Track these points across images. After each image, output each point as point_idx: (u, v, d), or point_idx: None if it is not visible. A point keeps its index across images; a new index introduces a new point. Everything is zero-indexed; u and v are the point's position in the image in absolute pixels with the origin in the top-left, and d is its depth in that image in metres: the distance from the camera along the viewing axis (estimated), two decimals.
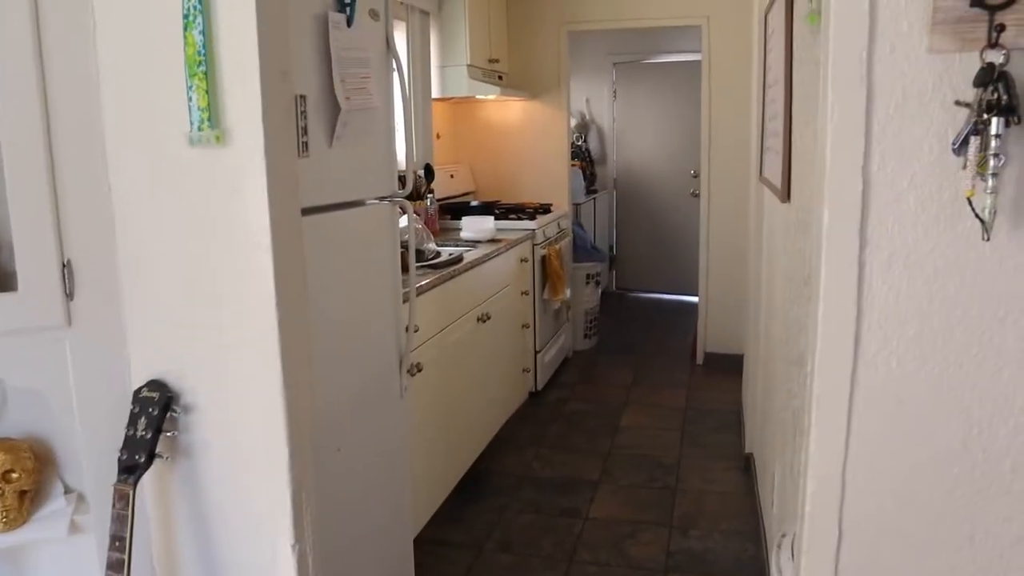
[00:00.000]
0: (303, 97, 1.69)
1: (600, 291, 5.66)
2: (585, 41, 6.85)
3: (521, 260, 4.18)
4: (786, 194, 2.22)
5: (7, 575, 1.65)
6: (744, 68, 4.57)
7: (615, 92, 7.14)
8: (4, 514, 1.49)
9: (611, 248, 7.29)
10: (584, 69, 7.02)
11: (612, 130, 7.20)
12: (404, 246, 2.35)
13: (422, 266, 3.11)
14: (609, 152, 7.23)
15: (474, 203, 4.74)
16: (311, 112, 1.74)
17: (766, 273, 3.03)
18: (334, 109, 1.81)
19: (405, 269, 2.34)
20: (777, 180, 2.39)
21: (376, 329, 2.17)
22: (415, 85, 4.24)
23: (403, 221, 2.34)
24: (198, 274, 1.49)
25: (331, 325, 1.90)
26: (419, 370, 2.75)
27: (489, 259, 3.58)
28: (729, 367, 4.86)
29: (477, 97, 4.65)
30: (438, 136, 4.85)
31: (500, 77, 4.85)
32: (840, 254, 1.23)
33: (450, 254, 3.38)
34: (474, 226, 3.94)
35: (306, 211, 1.75)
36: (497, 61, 4.74)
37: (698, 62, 4.95)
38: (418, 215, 4.11)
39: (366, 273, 2.11)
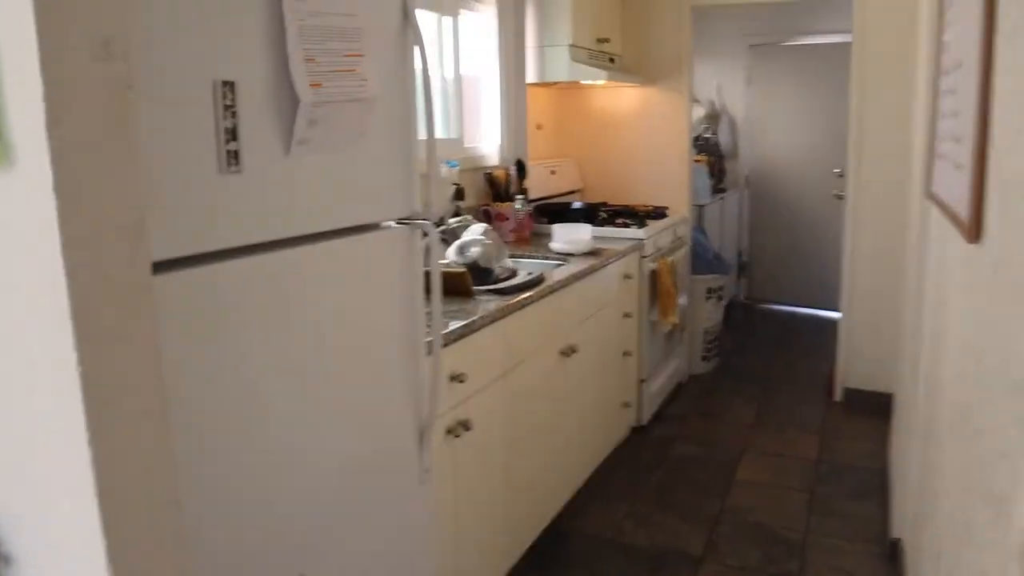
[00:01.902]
0: (228, 84, 1.15)
1: (723, 307, 4.94)
2: (715, 20, 6.09)
3: (624, 276, 3.55)
4: (975, 230, 1.52)
5: None
6: (906, 50, 3.76)
7: (750, 78, 6.34)
8: None
9: (740, 254, 6.51)
10: (715, 52, 6.26)
11: (745, 121, 6.41)
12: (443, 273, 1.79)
13: (487, 291, 2.54)
14: (741, 146, 6.45)
15: (576, 205, 4.13)
16: (249, 106, 1.19)
17: (932, 309, 2.29)
18: (295, 102, 1.26)
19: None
20: (959, 205, 1.68)
21: (374, 394, 1.62)
22: (507, 68, 3.67)
23: (471, 234, 1.78)
24: None
25: (285, 401, 1.36)
26: (466, 429, 2.19)
27: (581, 278, 2.98)
28: (874, 409, 4.07)
29: (583, 82, 4.04)
30: (539, 127, 4.26)
31: (611, 60, 4.21)
32: None
33: (528, 273, 2.80)
34: (566, 236, 3.34)
35: (236, 252, 1.21)
36: (607, 41, 4.10)
37: (847, 44, 4.16)
38: (502, 220, 3.56)
39: (360, 322, 1.55)
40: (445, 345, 2.08)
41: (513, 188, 3.73)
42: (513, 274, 2.80)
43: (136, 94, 0.88)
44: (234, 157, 1.17)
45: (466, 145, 3.64)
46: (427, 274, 1.73)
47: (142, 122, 1.01)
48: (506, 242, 3.59)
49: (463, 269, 2.53)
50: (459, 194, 3.27)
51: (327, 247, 1.44)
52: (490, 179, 3.68)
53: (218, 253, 1.21)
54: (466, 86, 3.62)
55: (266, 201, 1.27)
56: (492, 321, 2.33)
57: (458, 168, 3.28)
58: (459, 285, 2.53)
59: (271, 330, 1.31)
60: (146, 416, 0.90)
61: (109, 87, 0.83)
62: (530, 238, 3.64)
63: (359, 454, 1.56)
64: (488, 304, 2.41)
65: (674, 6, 4.29)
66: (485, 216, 3.66)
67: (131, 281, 0.88)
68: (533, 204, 3.91)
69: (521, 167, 3.74)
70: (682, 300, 4.14)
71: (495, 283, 2.67)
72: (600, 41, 4.04)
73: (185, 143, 1.11)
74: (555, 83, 4.08)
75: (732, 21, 6.20)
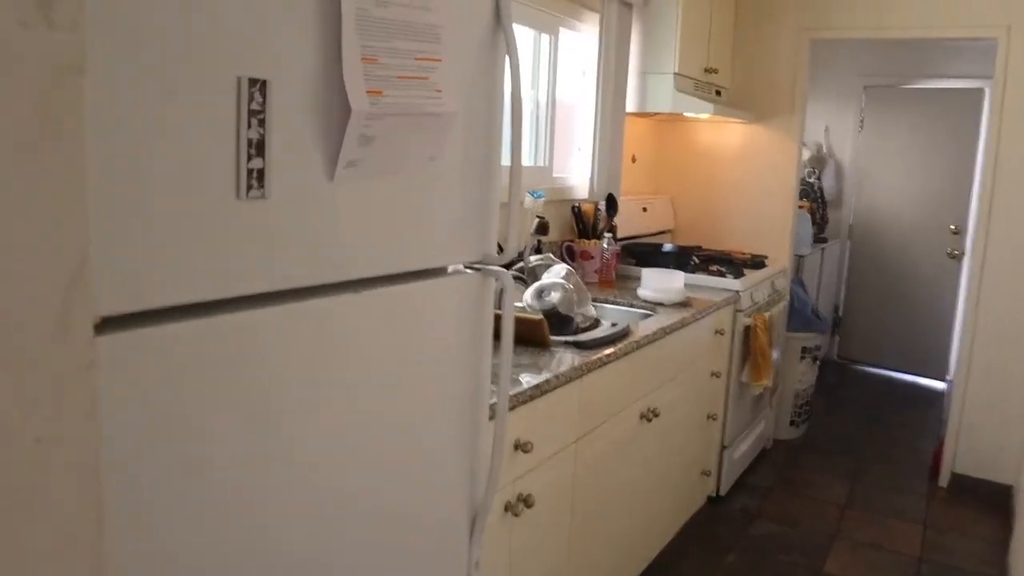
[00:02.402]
0: (258, 83, 0.87)
1: (817, 367, 4.52)
2: (829, 57, 5.69)
3: (716, 332, 3.20)
4: None
5: None
6: None
7: (862, 121, 5.91)
8: None
9: (836, 309, 6.05)
10: (825, 92, 5.85)
11: (853, 167, 5.97)
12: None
13: (566, 342, 2.23)
14: (847, 193, 6.01)
15: (667, 247, 3.79)
16: (283, 114, 0.91)
17: None
18: (346, 112, 0.97)
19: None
20: None
21: (421, 479, 1.32)
22: (605, 94, 3.37)
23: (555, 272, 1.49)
24: None
25: (307, 489, 1.07)
26: (527, 505, 1.88)
27: (670, 333, 2.64)
28: (988, 501, 3.61)
29: (686, 115, 3.71)
30: (633, 159, 3.95)
31: (718, 92, 3.88)
32: None
33: (613, 324, 2.48)
34: (657, 283, 3.01)
35: (257, 299, 0.93)
36: (715, 72, 3.77)
37: (974, 91, 3.74)
38: (586, 259, 3.25)
39: (410, 387, 1.26)
40: (512, 408, 1.77)
41: (601, 225, 3.42)
42: (595, 324, 2.49)
43: (96, 80, 0.61)
44: (257, 178, 0.89)
45: (555, 175, 3.34)
46: (497, 318, 1.43)
47: (118, 122, 0.73)
48: (589, 283, 3.28)
49: (540, 316, 2.23)
50: (542, 228, 2.97)
51: (375, 295, 1.15)
52: (577, 213, 3.37)
53: (229, 302, 0.93)
54: (559, 110, 3.33)
55: (298, 236, 0.99)
56: (569, 380, 2.02)
57: (543, 199, 2.98)
58: (535, 334, 2.23)
59: (295, 397, 1.02)
60: None
61: (46, 67, 0.56)
62: (615, 280, 3.32)
63: (391, 551, 1.26)
64: (565, 357, 2.11)
65: (791, 37, 3.94)
66: (569, 253, 3.36)
67: (61, 353, 0.59)
68: (621, 243, 3.59)
69: (612, 202, 3.43)
70: (775, 356, 3.75)
71: (575, 333, 2.36)
72: (708, 71, 3.72)
73: (187, 157, 0.83)
74: (655, 114, 3.77)
75: (847, 60, 5.79)
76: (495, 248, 1.41)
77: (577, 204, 3.38)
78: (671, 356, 2.75)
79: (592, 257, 3.34)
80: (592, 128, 3.37)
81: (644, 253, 3.69)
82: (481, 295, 1.39)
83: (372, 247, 1.13)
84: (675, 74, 3.43)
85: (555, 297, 2.35)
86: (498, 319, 1.41)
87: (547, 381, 1.91)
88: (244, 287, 0.94)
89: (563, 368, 2.01)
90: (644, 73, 3.50)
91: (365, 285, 1.14)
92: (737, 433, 3.57)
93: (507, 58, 1.31)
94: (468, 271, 1.37)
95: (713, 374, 3.22)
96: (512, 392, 1.78)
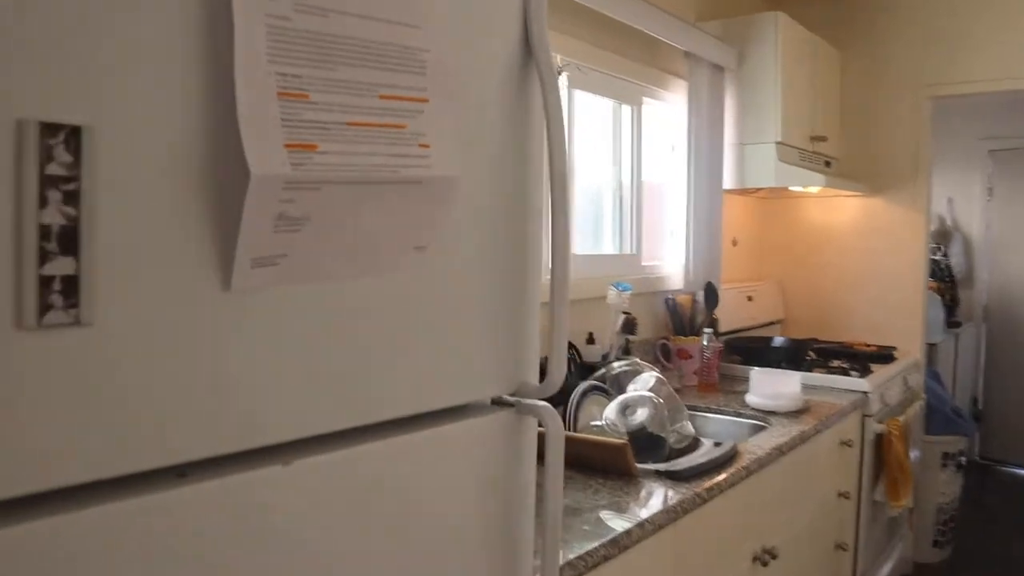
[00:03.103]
0: (67, 132, 0.51)
1: (961, 475, 3.87)
2: (945, 120, 5.16)
3: (842, 443, 2.68)
4: None
5: None
6: None
7: (990, 189, 5.31)
8: None
9: (975, 401, 5.35)
10: (943, 158, 5.29)
11: (984, 240, 5.34)
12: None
13: (657, 472, 1.79)
14: (978, 270, 5.37)
15: (778, 341, 3.30)
16: (123, 180, 0.55)
17: None
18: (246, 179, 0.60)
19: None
20: None
21: None
22: (699, 170, 2.96)
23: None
24: None
25: None
26: None
27: (787, 452, 2.16)
28: None
29: (791, 189, 3.26)
30: (734, 242, 3.51)
31: (827, 163, 3.42)
32: None
33: (716, 444, 2.02)
34: (768, 386, 2.53)
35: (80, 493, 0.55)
36: (823, 139, 3.32)
37: None
38: (684, 358, 2.81)
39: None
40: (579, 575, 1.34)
41: (700, 318, 2.97)
42: (694, 444, 2.03)
43: None
44: (63, 292, 0.52)
45: (643, 263, 2.94)
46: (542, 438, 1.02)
47: None
48: (687, 386, 2.83)
49: (623, 440, 1.80)
50: (629, 326, 2.56)
51: (323, 465, 0.76)
52: (672, 307, 2.95)
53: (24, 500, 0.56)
54: (647, 191, 2.95)
55: (160, 388, 0.61)
56: (660, 527, 1.57)
57: (630, 293, 2.57)
58: (617, 462, 1.80)
59: None
60: None
61: None
62: (718, 383, 2.85)
63: None
64: (656, 492, 1.67)
65: (908, 96, 3.46)
66: (663, 352, 2.92)
67: None
68: (724, 338, 3.13)
69: (711, 292, 2.99)
70: (914, 468, 3.17)
71: (668, 458, 1.92)
72: (815, 139, 3.28)
73: None
74: (756, 190, 3.34)
75: (968, 122, 5.24)
76: (535, 374, 1.01)
77: (671, 296, 2.96)
78: (790, 479, 2.26)
79: (691, 356, 2.89)
80: (685, 209, 2.96)
81: (751, 349, 3.21)
82: (517, 441, 0.98)
83: (307, 393, 0.74)
84: (777, 144, 3.00)
85: (643, 415, 1.92)
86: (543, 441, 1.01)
87: (628, 533, 1.48)
88: (59, 476, 0.56)
89: (652, 510, 1.57)
90: (741, 144, 3.10)
91: (304, 449, 0.75)
92: (871, 563, 2.99)
93: (544, 103, 0.93)
94: (495, 410, 0.97)
95: (841, 495, 2.69)
96: (579, 552, 1.35)
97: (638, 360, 2.23)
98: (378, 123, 0.68)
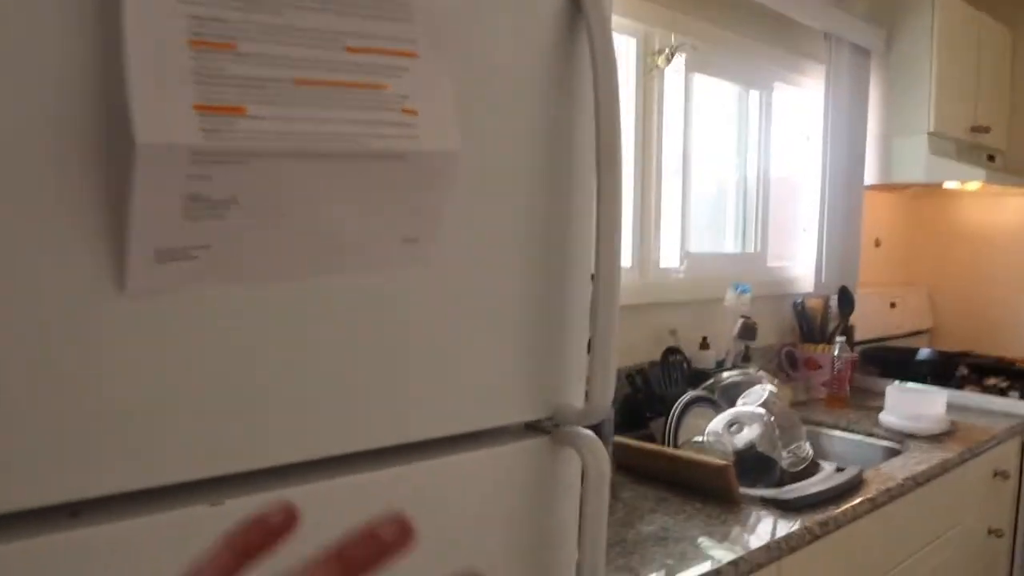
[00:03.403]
0: None
1: None
2: None
3: (996, 474, 2.36)
4: None
5: None
6: None
7: None
8: None
9: None
10: None
11: None
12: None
13: (763, 499, 1.59)
14: None
15: (923, 354, 2.97)
16: None
17: None
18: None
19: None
20: None
21: None
22: (836, 162, 2.69)
23: None
24: None
25: None
26: None
27: (925, 482, 1.90)
28: None
29: (946, 186, 2.92)
30: (877, 243, 3.20)
31: (991, 157, 3.05)
32: None
33: (838, 469, 1.79)
34: (907, 405, 2.24)
35: None
36: (986, 130, 2.95)
37: None
38: (813, 368, 2.57)
39: None
40: None
41: (833, 325, 2.70)
42: (812, 468, 1.81)
43: None
44: None
45: (769, 264, 2.69)
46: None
47: None
48: (815, 399, 2.58)
49: (726, 461, 1.61)
50: (748, 331, 2.33)
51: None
52: (800, 311, 2.69)
53: None
54: (777, 185, 2.70)
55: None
56: (756, 568, 1.38)
57: (751, 295, 2.35)
58: (717, 485, 1.61)
59: None
60: None
61: None
62: (849, 397, 2.57)
63: None
64: (761, 523, 1.47)
65: None
66: (789, 361, 2.68)
67: None
68: (860, 348, 2.84)
69: (846, 297, 2.71)
70: None
71: (780, 483, 1.70)
72: (976, 130, 2.92)
73: None
74: (905, 187, 3.01)
75: None
76: (578, 395, 0.85)
77: (800, 299, 2.70)
78: (926, 513, 1.99)
79: (819, 366, 2.63)
80: (819, 205, 2.69)
81: (891, 361, 2.90)
82: (549, 474, 0.83)
83: (245, 418, 0.61)
84: (930, 134, 2.68)
85: (751, 432, 1.71)
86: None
87: (718, 573, 1.29)
88: None
89: (750, 546, 1.38)
90: (888, 136, 2.79)
91: (249, 484, 0.62)
92: None
93: (593, 65, 0.77)
94: (520, 438, 0.81)
95: (992, 532, 2.37)
96: None
97: (752, 370, 2.02)
98: (346, 82, 0.55)
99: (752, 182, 2.63)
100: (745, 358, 2.47)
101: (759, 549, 1.38)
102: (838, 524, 1.58)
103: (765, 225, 2.65)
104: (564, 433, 0.82)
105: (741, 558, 1.34)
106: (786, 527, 1.48)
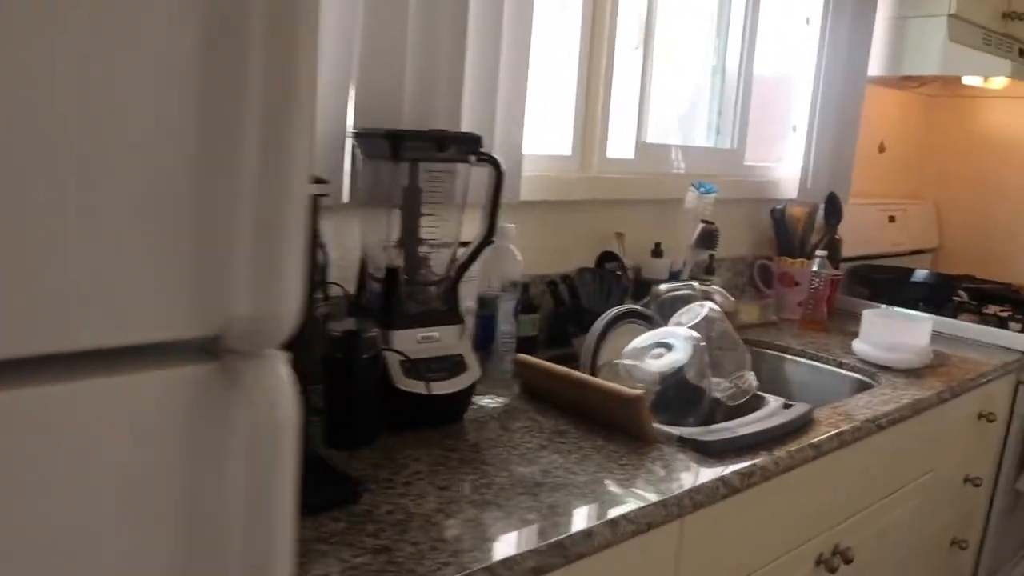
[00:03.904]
0: None
1: None
2: None
3: (981, 416, 2.06)
4: None
5: None
6: None
7: None
8: None
9: None
10: None
11: None
12: None
13: (681, 438, 1.30)
14: None
15: (920, 275, 2.65)
16: None
17: None
18: None
19: None
20: None
21: None
22: (835, 48, 2.30)
23: None
24: None
25: None
26: None
27: (889, 426, 1.61)
28: None
29: (966, 83, 2.53)
30: (881, 148, 2.83)
31: (1022, 52, 2.64)
32: None
33: (786, 405, 1.50)
34: (883, 333, 1.93)
35: None
36: (1019, 17, 2.54)
37: None
38: (789, 286, 2.27)
39: None
40: None
41: (816, 238, 2.38)
42: (755, 402, 1.51)
43: None
44: None
45: (747, 162, 2.35)
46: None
47: None
48: (788, 320, 2.29)
49: (639, 391, 1.32)
50: (707, 238, 2.01)
51: None
52: (779, 219, 2.36)
53: None
54: (768, 74, 2.34)
55: None
56: (646, 529, 1.10)
57: (715, 196, 2.02)
58: (626, 418, 1.33)
59: None
60: None
61: None
62: (827, 320, 2.26)
63: None
64: (668, 467, 1.20)
65: None
66: (762, 276, 2.37)
67: None
68: (849, 265, 2.52)
69: (834, 205, 2.37)
70: None
71: (710, 419, 1.42)
72: (1008, 17, 2.51)
73: None
74: (918, 82, 2.62)
75: None
76: (291, 297, 0.54)
77: (782, 206, 2.37)
78: (889, 460, 1.71)
79: (796, 284, 2.32)
80: (811, 96, 2.32)
81: (882, 282, 2.58)
82: (217, 419, 0.53)
83: None
84: (951, 17, 2.28)
85: (676, 357, 1.41)
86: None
87: (589, 535, 1.02)
88: None
89: (646, 500, 1.10)
90: (901, 17, 2.39)
91: None
92: (998, 567, 2.37)
93: None
94: (177, 363, 0.52)
95: (968, 480, 2.09)
96: (488, 561, 0.91)
97: (697, 284, 1.70)
98: None
99: (733, 65, 2.26)
100: (708, 270, 2.16)
101: (653, 506, 1.11)
102: (766, 475, 1.30)
103: (744, 116, 2.29)
104: (233, 358, 0.52)
105: (624, 516, 1.07)
106: (696, 476, 1.20)
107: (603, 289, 1.77)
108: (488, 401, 1.48)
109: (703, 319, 1.48)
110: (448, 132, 1.40)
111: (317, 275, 1.50)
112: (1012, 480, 2.24)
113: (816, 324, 2.23)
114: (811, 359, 2.00)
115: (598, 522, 1.04)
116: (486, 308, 1.49)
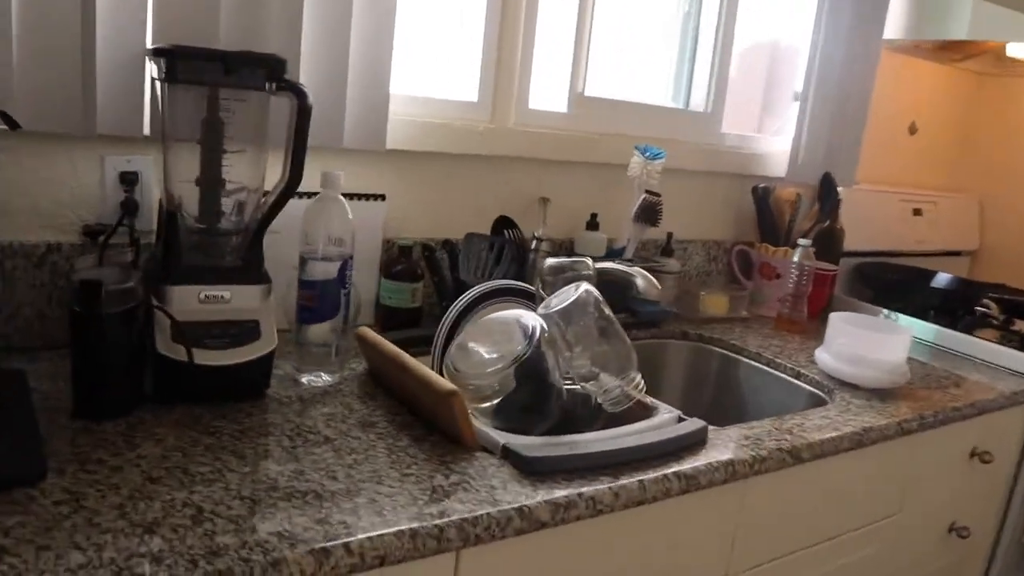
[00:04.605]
0: None
1: None
2: None
3: (974, 455, 1.69)
4: None
5: None
6: None
7: None
8: None
9: None
10: None
11: None
12: None
13: (506, 447, 1.02)
14: None
15: (941, 279, 2.26)
16: None
17: None
18: None
19: None
20: None
21: None
22: (833, 3, 1.93)
23: None
24: None
25: None
26: None
27: (809, 460, 1.28)
28: None
29: (1009, 53, 2.12)
30: (912, 129, 2.45)
31: None
32: None
33: (680, 419, 1.19)
34: (849, 343, 1.57)
35: None
36: None
37: None
38: (770, 277, 1.96)
39: None
40: None
41: (804, 225, 2.03)
42: (644, 411, 1.21)
43: None
44: None
45: (723, 130, 2.01)
46: None
47: None
48: (761, 317, 1.98)
49: (451, 387, 1.04)
50: (648, 212, 1.70)
51: None
52: (762, 200, 2.02)
53: None
54: (768, 36, 1.99)
55: None
56: (382, 563, 0.83)
57: (663, 162, 1.70)
58: (447, 419, 1.06)
59: None
60: None
61: None
62: (808, 323, 1.91)
63: None
64: (474, 484, 0.93)
65: None
66: (742, 264, 2.04)
67: None
68: (855, 260, 2.16)
69: (829, 187, 2.01)
70: None
71: (560, 427, 1.12)
72: None
73: None
74: (959, 50, 2.22)
75: None
76: None
77: (765, 185, 2.02)
78: (838, 497, 1.38)
79: (778, 276, 1.98)
80: (809, 55, 1.96)
81: (893, 283, 2.21)
82: None
83: None
84: None
85: (511, 348, 1.12)
86: None
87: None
88: None
89: (385, 529, 0.83)
90: None
91: None
92: None
93: None
94: None
95: (954, 530, 1.72)
96: None
97: (587, 260, 1.38)
98: None
99: (711, 12, 1.92)
100: (666, 251, 1.85)
101: (393, 535, 0.83)
102: (597, 509, 1.00)
103: (723, 73, 1.95)
104: None
105: (346, 545, 0.80)
106: (492, 500, 0.92)
107: (494, 260, 1.48)
108: (312, 379, 1.23)
109: (571, 303, 1.18)
110: (239, 52, 1.14)
111: (111, 218, 1.28)
112: (1020, 532, 1.85)
113: (793, 325, 1.89)
114: (767, 365, 1.67)
115: (292, 552, 0.77)
116: (307, 271, 1.22)
